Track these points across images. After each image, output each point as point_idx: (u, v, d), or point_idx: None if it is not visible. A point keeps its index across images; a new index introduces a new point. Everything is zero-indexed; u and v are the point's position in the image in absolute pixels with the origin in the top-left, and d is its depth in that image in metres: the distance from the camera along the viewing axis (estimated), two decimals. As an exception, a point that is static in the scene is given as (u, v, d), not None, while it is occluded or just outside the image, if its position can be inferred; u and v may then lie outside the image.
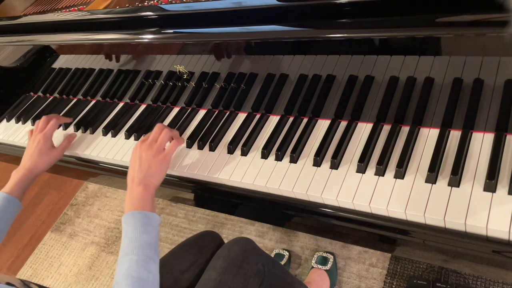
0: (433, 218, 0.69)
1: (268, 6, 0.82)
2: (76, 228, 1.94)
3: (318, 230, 0.91)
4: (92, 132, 1.16)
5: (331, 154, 0.85)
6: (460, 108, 0.77)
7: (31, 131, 1.11)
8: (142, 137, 0.93)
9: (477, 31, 0.65)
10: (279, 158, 0.89)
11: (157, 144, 0.90)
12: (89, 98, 1.28)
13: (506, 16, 0.60)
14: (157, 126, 0.93)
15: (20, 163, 1.04)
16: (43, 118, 1.12)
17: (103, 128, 1.15)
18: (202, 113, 1.07)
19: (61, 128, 1.22)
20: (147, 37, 0.97)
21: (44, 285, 1.61)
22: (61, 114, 1.28)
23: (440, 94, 0.78)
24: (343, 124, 0.89)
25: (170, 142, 0.94)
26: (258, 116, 1.00)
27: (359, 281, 1.37)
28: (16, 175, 1.00)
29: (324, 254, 1.41)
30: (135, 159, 0.88)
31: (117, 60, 1.13)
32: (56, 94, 1.35)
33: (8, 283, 0.88)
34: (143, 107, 1.17)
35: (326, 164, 0.84)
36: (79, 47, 1.17)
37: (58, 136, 1.16)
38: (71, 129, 1.21)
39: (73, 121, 1.23)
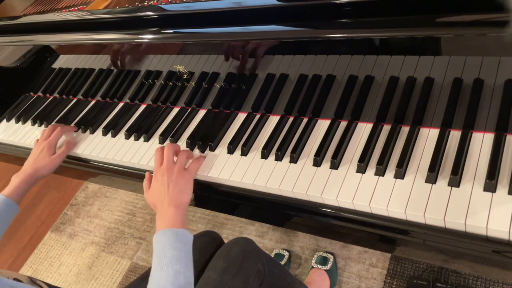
0: (433, 218, 0.69)
1: (268, 6, 0.82)
2: (76, 228, 1.94)
3: (318, 230, 0.91)
4: (92, 132, 1.16)
5: (331, 154, 0.85)
6: (460, 108, 0.77)
7: (38, 139, 1.13)
8: (154, 165, 0.91)
9: (477, 31, 0.65)
10: (279, 158, 0.89)
11: (178, 163, 0.89)
12: (89, 98, 1.28)
13: (506, 16, 0.60)
14: (168, 147, 0.91)
15: (22, 168, 1.06)
16: (49, 126, 1.15)
17: (103, 128, 1.15)
18: (202, 113, 1.07)
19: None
20: (147, 37, 0.97)
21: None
22: (61, 114, 1.28)
23: (440, 94, 0.78)
24: (343, 124, 0.89)
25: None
26: (258, 116, 1.00)
27: (359, 281, 1.37)
28: (16, 179, 1.02)
29: (324, 254, 1.41)
30: (159, 185, 0.86)
31: (118, 60, 1.13)
32: (56, 94, 1.35)
33: (15, 279, 0.89)
34: (143, 107, 1.17)
35: (326, 164, 0.84)
36: (79, 47, 1.17)
37: (60, 141, 1.17)
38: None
39: (73, 121, 1.23)
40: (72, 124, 1.21)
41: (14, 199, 0.98)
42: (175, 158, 0.91)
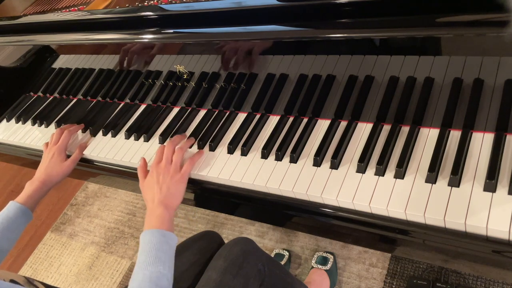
0: (433, 218, 0.69)
1: (268, 6, 0.82)
2: (76, 228, 1.94)
3: (318, 230, 0.91)
4: (92, 132, 1.16)
5: (331, 154, 0.85)
6: (460, 108, 0.77)
7: (46, 143, 1.13)
8: (154, 160, 0.93)
9: (477, 31, 0.65)
10: (279, 158, 0.89)
11: (173, 165, 0.90)
12: (89, 98, 1.28)
13: (506, 16, 0.60)
14: (168, 146, 0.94)
15: (34, 175, 1.05)
16: (57, 130, 1.14)
17: (103, 128, 1.15)
18: (202, 113, 1.07)
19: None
20: (147, 37, 0.97)
21: (44, 285, 1.60)
22: (61, 114, 1.28)
23: (440, 94, 0.78)
24: (343, 124, 0.89)
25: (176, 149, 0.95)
26: (258, 116, 1.00)
27: (359, 281, 1.37)
28: (30, 187, 1.01)
29: (324, 254, 1.41)
30: (153, 183, 0.89)
31: (118, 60, 1.13)
32: (56, 94, 1.35)
33: (12, 280, 0.89)
34: (143, 107, 1.17)
35: (326, 164, 0.84)
36: (79, 47, 1.17)
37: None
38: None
39: (73, 121, 1.23)
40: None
41: (29, 206, 0.98)
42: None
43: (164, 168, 0.90)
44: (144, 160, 0.95)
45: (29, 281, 0.93)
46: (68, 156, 1.10)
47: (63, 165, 1.07)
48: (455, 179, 0.71)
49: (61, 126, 1.18)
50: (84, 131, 1.17)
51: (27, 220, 0.97)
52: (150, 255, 0.75)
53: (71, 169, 1.09)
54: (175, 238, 0.81)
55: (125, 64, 1.13)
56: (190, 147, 0.99)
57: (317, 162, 0.84)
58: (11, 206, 0.95)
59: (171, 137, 1.04)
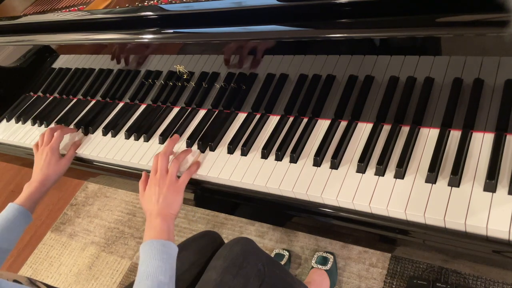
0: (433, 218, 0.69)
1: (268, 6, 0.82)
2: (76, 228, 1.94)
3: (318, 230, 0.91)
4: (92, 132, 1.16)
5: (331, 154, 0.85)
6: (460, 108, 0.77)
7: (36, 145, 1.12)
8: (150, 172, 0.93)
9: (477, 31, 0.65)
10: (279, 158, 0.89)
11: (169, 176, 0.90)
12: (89, 98, 1.28)
13: (506, 16, 0.60)
14: (161, 157, 0.92)
15: (32, 177, 1.05)
16: (48, 130, 1.12)
17: (103, 128, 1.15)
18: (202, 113, 1.07)
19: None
20: (147, 37, 0.97)
21: (44, 285, 1.60)
22: (61, 114, 1.28)
23: (440, 94, 0.78)
24: (343, 124, 0.89)
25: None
26: (258, 116, 1.00)
27: (359, 281, 1.37)
28: (29, 188, 1.01)
29: (324, 254, 1.41)
30: (151, 195, 0.89)
31: (118, 60, 1.13)
32: (56, 94, 1.35)
33: (15, 281, 0.89)
34: (143, 107, 1.17)
35: (326, 164, 0.84)
36: (79, 47, 1.17)
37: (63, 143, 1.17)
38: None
39: (73, 121, 1.23)
40: (72, 125, 1.21)
41: (28, 207, 0.98)
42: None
43: (160, 179, 0.90)
44: (145, 174, 0.95)
45: (31, 281, 0.94)
46: (63, 156, 1.10)
47: (59, 164, 1.07)
48: (455, 179, 0.71)
49: (51, 127, 1.17)
50: (84, 131, 1.17)
51: (27, 221, 0.98)
52: (150, 265, 0.75)
53: (67, 168, 1.09)
54: (175, 248, 0.81)
55: (124, 64, 1.13)
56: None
57: (317, 162, 0.84)
58: (10, 208, 0.96)
59: (171, 137, 1.04)
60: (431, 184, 0.73)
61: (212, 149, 0.97)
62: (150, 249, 0.78)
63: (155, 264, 0.75)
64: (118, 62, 1.14)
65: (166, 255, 0.78)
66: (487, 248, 0.66)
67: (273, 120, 0.98)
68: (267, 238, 1.58)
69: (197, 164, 0.95)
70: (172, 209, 0.87)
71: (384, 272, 1.36)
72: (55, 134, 1.11)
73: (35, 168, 1.07)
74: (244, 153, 0.93)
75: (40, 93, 1.40)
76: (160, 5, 0.95)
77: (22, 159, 1.29)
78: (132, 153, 1.05)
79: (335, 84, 0.87)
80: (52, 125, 1.26)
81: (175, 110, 1.12)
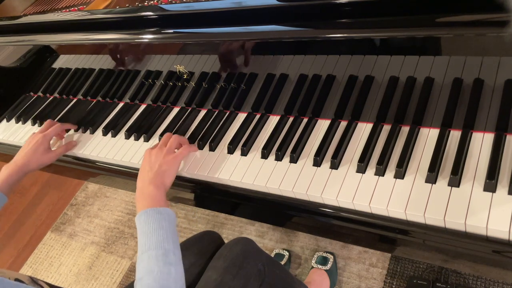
0: (433, 218, 0.69)
1: (268, 6, 0.82)
2: (76, 228, 1.94)
3: (318, 230, 0.91)
4: (92, 132, 1.16)
5: (331, 154, 0.85)
6: (460, 108, 0.77)
7: (33, 133, 1.12)
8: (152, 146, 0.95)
9: (477, 31, 0.65)
10: (279, 158, 0.89)
11: (167, 147, 0.91)
12: (89, 98, 1.28)
13: (506, 16, 0.60)
14: (166, 134, 0.97)
15: (13, 159, 1.05)
16: (48, 121, 1.13)
17: (103, 128, 1.15)
18: (202, 113, 1.07)
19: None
20: (147, 37, 0.97)
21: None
22: (61, 114, 1.28)
23: (440, 94, 0.78)
24: (343, 124, 0.89)
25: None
26: (258, 116, 1.00)
27: (359, 281, 1.37)
28: (6, 170, 1.01)
29: (324, 254, 1.41)
30: (145, 163, 0.89)
31: (118, 60, 1.13)
32: (56, 94, 1.35)
33: (17, 279, 0.89)
34: (143, 107, 1.17)
35: (326, 164, 0.84)
36: (79, 47, 1.17)
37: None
38: (71, 130, 1.21)
39: (73, 121, 1.23)
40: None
41: (3, 190, 0.97)
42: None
43: (158, 149, 0.91)
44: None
45: (33, 280, 0.93)
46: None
47: (44, 155, 1.06)
48: (455, 179, 0.71)
49: (50, 119, 1.18)
50: (84, 131, 1.17)
51: (1, 202, 0.97)
52: (150, 236, 0.73)
53: (51, 161, 1.08)
54: (173, 214, 0.79)
55: (124, 64, 1.13)
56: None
57: (317, 162, 0.84)
58: None
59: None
60: (431, 184, 0.73)
61: (212, 149, 0.97)
62: (147, 219, 0.76)
63: (156, 234, 0.73)
64: (118, 62, 1.14)
65: (165, 223, 0.76)
66: (487, 248, 0.66)
67: (273, 120, 0.98)
68: (267, 238, 1.58)
69: (195, 147, 0.97)
70: (166, 179, 0.86)
71: (384, 272, 1.36)
72: (54, 125, 1.11)
73: (20, 150, 1.07)
74: (244, 153, 0.93)
75: (40, 93, 1.40)
76: (160, 5, 0.95)
77: (22, 159, 1.29)
78: (132, 153, 1.05)
79: (335, 84, 0.87)
80: (52, 125, 1.26)
81: (175, 110, 1.12)
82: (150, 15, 0.95)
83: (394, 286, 1.32)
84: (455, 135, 0.78)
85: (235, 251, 0.91)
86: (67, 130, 1.21)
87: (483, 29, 0.64)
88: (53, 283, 1.72)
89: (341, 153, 0.84)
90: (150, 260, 0.70)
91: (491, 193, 0.68)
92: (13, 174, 1.01)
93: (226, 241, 1.00)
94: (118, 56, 1.13)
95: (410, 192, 0.73)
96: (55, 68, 1.29)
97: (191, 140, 1.00)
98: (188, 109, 1.10)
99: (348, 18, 0.74)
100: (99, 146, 1.11)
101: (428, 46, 0.73)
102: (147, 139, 1.07)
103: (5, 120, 1.37)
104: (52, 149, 1.10)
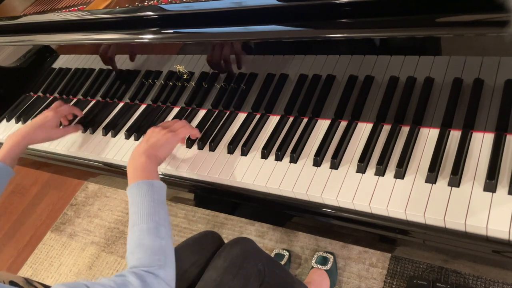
0: (433, 218, 0.69)
1: (268, 6, 0.82)
2: (76, 228, 1.94)
3: (318, 230, 0.91)
4: (92, 132, 1.16)
5: (331, 154, 0.85)
6: (460, 108, 0.77)
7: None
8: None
9: (477, 31, 0.65)
10: (279, 158, 0.89)
11: (170, 127, 0.92)
12: (89, 98, 1.28)
13: (506, 16, 0.60)
14: (173, 120, 0.98)
15: (18, 129, 1.05)
16: (58, 101, 1.15)
17: (103, 128, 1.15)
18: (202, 113, 1.07)
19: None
20: (147, 37, 0.97)
21: (44, 285, 1.60)
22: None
23: (440, 94, 0.78)
24: (343, 124, 0.89)
25: None
26: (258, 116, 1.00)
27: (359, 281, 1.37)
28: (10, 140, 1.01)
29: (324, 254, 1.41)
30: (145, 137, 0.90)
31: (118, 60, 1.13)
32: (56, 94, 1.35)
33: (11, 282, 0.89)
34: (143, 107, 1.17)
35: (326, 164, 0.84)
36: (79, 47, 1.17)
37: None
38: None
39: (72, 121, 1.23)
40: (73, 124, 1.21)
41: (7, 162, 0.97)
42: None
43: (160, 127, 0.92)
44: None
45: (28, 282, 0.93)
46: None
47: (51, 130, 1.07)
48: (455, 179, 0.71)
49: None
50: (84, 131, 1.17)
51: (8, 175, 0.97)
52: (141, 208, 0.73)
53: (58, 137, 1.10)
54: (164, 185, 0.79)
55: (124, 64, 1.13)
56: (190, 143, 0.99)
57: (317, 162, 0.84)
58: None
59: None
60: (431, 184, 0.73)
61: (212, 149, 0.97)
62: (138, 191, 0.76)
63: (147, 206, 0.73)
64: (118, 62, 1.14)
65: (156, 195, 0.76)
66: (487, 248, 0.66)
67: (273, 120, 0.98)
68: (267, 238, 1.58)
69: (197, 130, 0.98)
70: (160, 151, 0.86)
71: (384, 272, 1.36)
72: (65, 105, 1.13)
73: (28, 122, 1.07)
74: (244, 153, 0.93)
75: (40, 93, 1.40)
76: (160, 5, 0.95)
77: (22, 159, 1.29)
78: (132, 153, 1.05)
79: (335, 84, 0.87)
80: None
81: (175, 110, 1.12)
82: (150, 15, 0.95)
83: (394, 286, 1.32)
84: (455, 135, 0.78)
85: (235, 251, 0.91)
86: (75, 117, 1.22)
87: (483, 29, 0.64)
88: (53, 283, 1.73)
89: (341, 153, 0.84)
90: (142, 234, 0.70)
91: (491, 193, 0.68)
92: (16, 145, 1.00)
93: (226, 241, 1.00)
94: (118, 56, 1.12)
95: (410, 192, 0.73)
96: (55, 68, 1.29)
97: (191, 140, 1.00)
98: (188, 109, 1.10)
99: (348, 18, 0.74)
100: (99, 146, 1.11)
101: (428, 46, 0.73)
102: (147, 139, 1.07)
103: (5, 120, 1.37)
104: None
